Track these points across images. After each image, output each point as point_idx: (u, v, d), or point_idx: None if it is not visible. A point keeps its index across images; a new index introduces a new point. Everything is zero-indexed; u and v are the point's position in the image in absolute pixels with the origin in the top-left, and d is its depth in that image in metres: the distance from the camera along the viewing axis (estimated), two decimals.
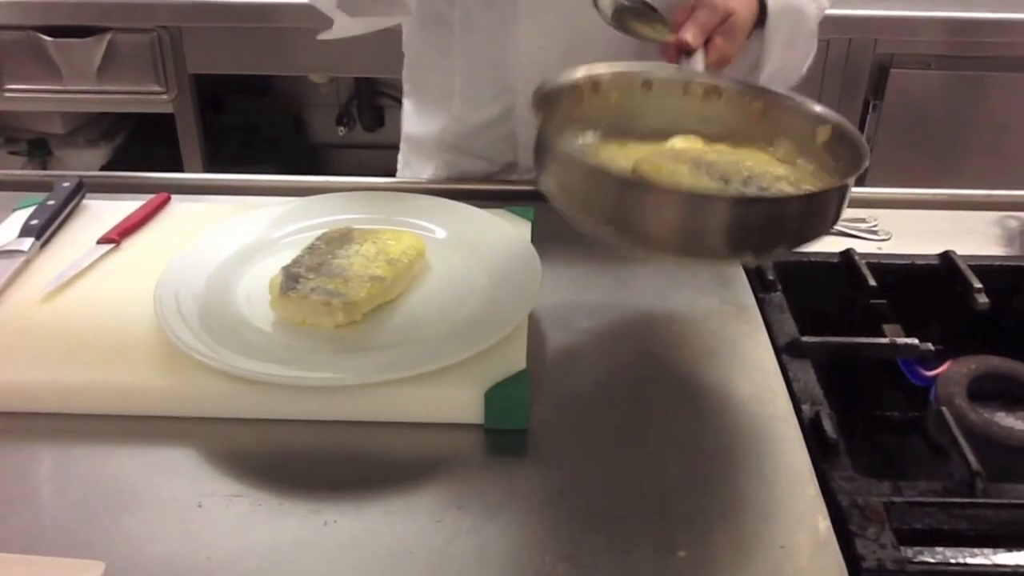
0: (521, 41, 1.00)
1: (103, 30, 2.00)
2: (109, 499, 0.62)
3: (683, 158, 0.73)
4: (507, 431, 0.68)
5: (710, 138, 0.80)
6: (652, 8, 0.87)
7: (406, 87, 1.20)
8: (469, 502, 0.62)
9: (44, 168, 2.31)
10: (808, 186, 0.73)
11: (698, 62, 0.85)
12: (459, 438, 0.68)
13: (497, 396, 0.67)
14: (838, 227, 0.97)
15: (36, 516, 0.61)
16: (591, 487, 0.63)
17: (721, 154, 0.75)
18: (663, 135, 0.79)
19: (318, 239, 0.81)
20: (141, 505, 0.61)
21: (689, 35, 0.85)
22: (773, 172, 0.73)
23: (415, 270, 0.79)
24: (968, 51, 1.96)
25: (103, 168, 2.28)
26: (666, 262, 0.88)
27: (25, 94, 2.08)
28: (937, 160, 2.04)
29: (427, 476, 0.65)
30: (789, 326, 0.81)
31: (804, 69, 1.04)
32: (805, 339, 0.78)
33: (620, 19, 0.87)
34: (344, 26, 0.96)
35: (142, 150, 2.37)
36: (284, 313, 0.74)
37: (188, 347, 0.69)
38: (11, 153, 2.31)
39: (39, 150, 2.32)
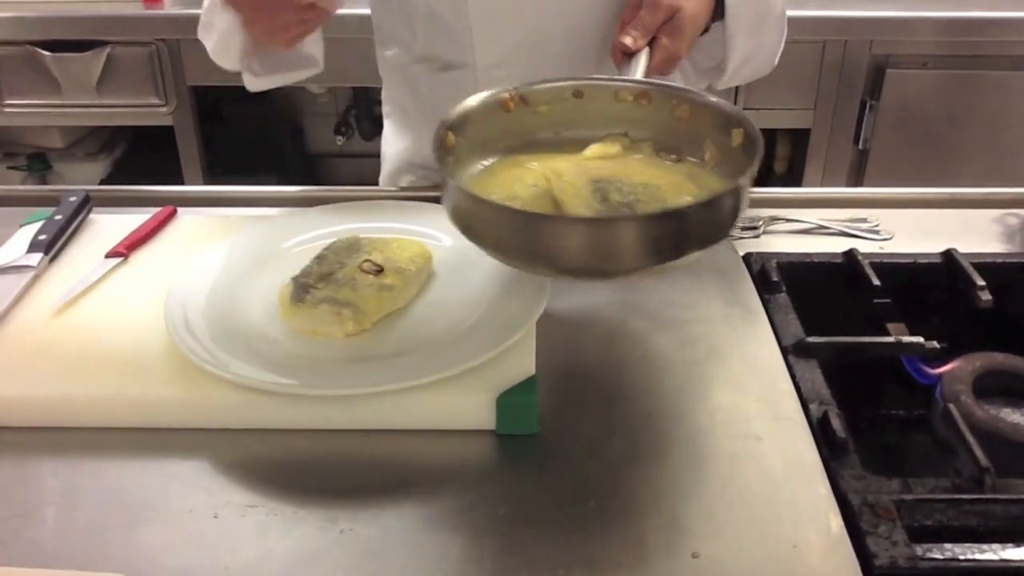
0: (480, 73, 1.01)
1: (102, 44, 2.01)
2: (125, 512, 0.62)
3: (565, 179, 0.74)
4: (518, 436, 0.68)
5: (642, 142, 0.80)
6: None
7: (385, 108, 1.22)
8: (483, 508, 0.63)
9: (44, 182, 2.32)
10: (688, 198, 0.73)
11: (640, 64, 0.85)
12: (470, 444, 0.68)
13: (508, 402, 0.68)
14: (841, 227, 0.98)
15: (54, 530, 0.61)
16: (602, 491, 0.64)
17: (614, 167, 0.77)
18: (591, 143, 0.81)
19: (326, 249, 0.81)
20: (157, 517, 0.62)
21: (628, 38, 0.85)
22: (655, 184, 0.74)
23: (423, 278, 0.80)
24: (964, 50, 1.98)
25: (103, 181, 2.30)
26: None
27: (24, 108, 2.09)
28: (934, 159, 2.05)
29: (440, 483, 0.65)
30: (795, 327, 0.81)
31: (775, 58, 1.03)
32: (811, 339, 0.79)
33: None
34: (254, 83, 1.00)
35: (142, 162, 2.38)
36: (294, 323, 0.74)
37: (200, 359, 0.69)
38: (10, 168, 2.32)
39: (39, 164, 2.33)
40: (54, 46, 2.01)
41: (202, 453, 0.67)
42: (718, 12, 0.93)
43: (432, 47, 1.03)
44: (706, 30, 0.94)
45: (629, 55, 0.86)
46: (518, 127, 0.81)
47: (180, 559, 0.59)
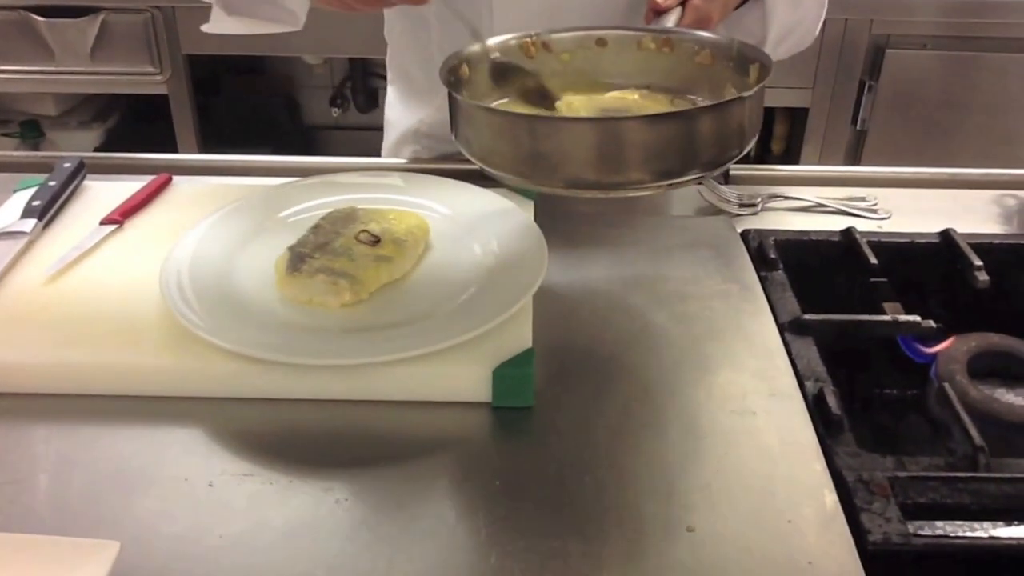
0: (496, 28, 0.98)
1: (96, 10, 1.99)
2: (120, 479, 0.62)
3: (575, 106, 0.77)
4: (513, 409, 0.68)
5: (664, 91, 0.81)
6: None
7: (390, 75, 1.20)
8: (478, 480, 0.63)
9: (36, 149, 2.30)
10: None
11: (670, 22, 0.85)
12: (466, 416, 0.68)
13: (504, 375, 0.67)
14: (839, 206, 0.98)
15: (49, 497, 0.61)
16: (597, 464, 0.64)
17: (627, 103, 0.79)
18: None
19: (323, 219, 0.81)
20: (152, 485, 0.62)
21: None
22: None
23: (420, 250, 0.80)
24: (964, 31, 1.97)
25: (97, 150, 2.28)
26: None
27: (17, 75, 2.07)
28: (932, 141, 2.05)
29: (436, 454, 0.65)
30: (791, 304, 0.81)
31: (816, 30, 1.03)
32: (807, 317, 0.79)
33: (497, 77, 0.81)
34: (221, 22, 0.93)
35: (136, 131, 2.37)
36: (290, 293, 0.74)
37: (196, 327, 0.69)
38: (3, 135, 2.30)
39: (32, 131, 2.31)
40: (48, 12, 1.99)
41: (198, 421, 0.67)
42: None
43: (445, 11, 1.01)
44: (746, 1, 0.94)
45: (660, 13, 0.86)
46: (540, 72, 0.81)
47: (175, 527, 0.59)
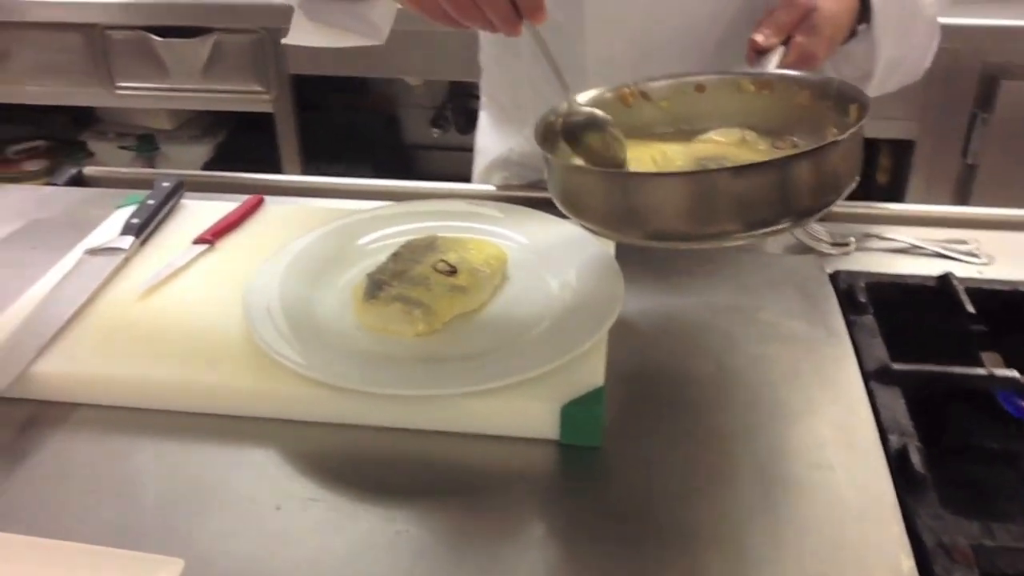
0: (588, 65, 0.98)
1: (209, 31, 2.07)
2: (191, 497, 0.64)
3: (670, 156, 0.76)
4: (580, 447, 0.67)
5: (765, 133, 0.79)
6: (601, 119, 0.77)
7: (483, 100, 1.21)
8: (540, 517, 0.62)
9: (152, 163, 2.41)
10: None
11: (773, 62, 0.83)
12: (532, 452, 0.67)
13: (573, 412, 0.67)
14: (937, 248, 0.94)
15: (121, 509, 0.63)
16: (662, 509, 0.62)
17: (725, 150, 0.77)
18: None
19: (403, 246, 0.82)
20: (222, 504, 0.63)
21: (760, 36, 0.84)
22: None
23: (496, 281, 0.80)
24: None
25: (206, 164, 2.37)
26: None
27: (135, 91, 2.17)
28: None
29: (499, 489, 0.65)
30: (879, 351, 0.78)
31: (927, 61, 1.00)
32: (896, 366, 0.76)
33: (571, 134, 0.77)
34: (302, 31, 0.92)
35: (242, 146, 2.45)
36: (366, 320, 0.75)
37: (273, 351, 0.70)
38: (120, 148, 2.42)
39: (147, 145, 2.42)
40: (164, 31, 2.08)
41: (269, 442, 0.68)
42: (864, 15, 0.90)
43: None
44: (853, 35, 0.92)
45: (761, 53, 0.84)
46: (635, 121, 0.81)
47: (239, 547, 0.60)
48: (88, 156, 2.43)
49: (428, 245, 0.81)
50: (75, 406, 0.72)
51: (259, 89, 2.12)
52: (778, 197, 0.65)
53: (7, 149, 2.44)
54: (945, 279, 0.87)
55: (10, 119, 2.43)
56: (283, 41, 0.95)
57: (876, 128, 1.98)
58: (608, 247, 0.84)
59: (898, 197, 2.05)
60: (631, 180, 0.69)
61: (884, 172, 2.15)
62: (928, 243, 0.95)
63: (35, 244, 0.95)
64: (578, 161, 0.75)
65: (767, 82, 0.82)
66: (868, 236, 0.96)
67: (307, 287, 0.80)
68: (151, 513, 0.63)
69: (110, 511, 0.63)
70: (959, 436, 0.85)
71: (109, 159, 2.40)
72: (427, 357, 0.72)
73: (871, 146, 2.11)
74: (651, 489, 0.64)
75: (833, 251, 0.94)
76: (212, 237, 0.90)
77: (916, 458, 0.65)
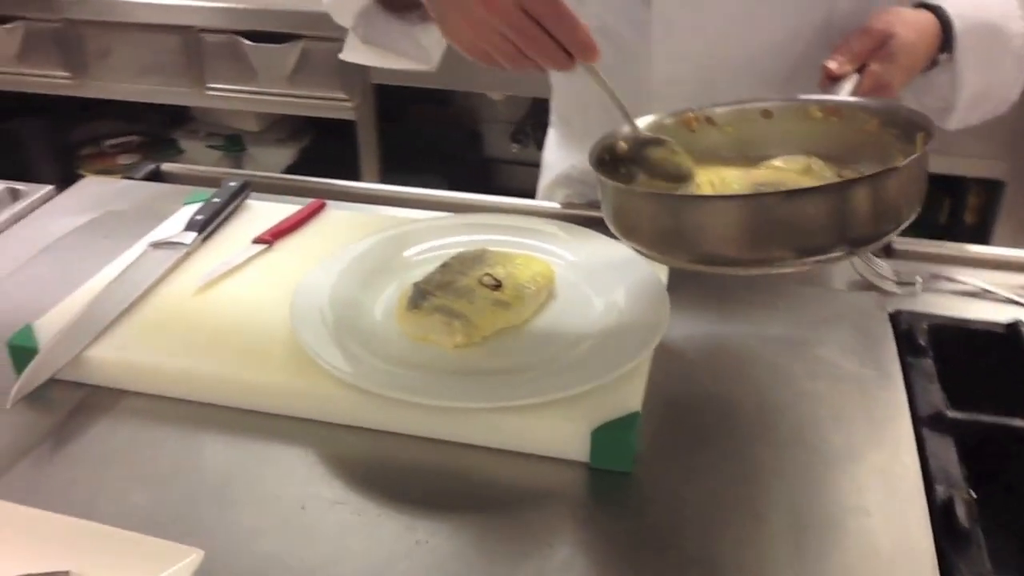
0: (653, 88, 0.97)
1: (298, 38, 2.12)
2: (220, 490, 0.65)
3: (727, 181, 0.74)
4: (610, 471, 0.66)
5: (832, 160, 0.77)
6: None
7: (551, 117, 1.21)
8: (563, 538, 0.61)
9: (239, 163, 2.48)
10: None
11: (846, 89, 0.82)
12: (560, 472, 0.67)
13: (605, 436, 0.66)
14: (1009, 294, 0.90)
15: (153, 497, 0.64)
16: (688, 541, 0.61)
17: (784, 176, 0.75)
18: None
19: (453, 258, 0.82)
20: (249, 500, 0.64)
21: (834, 63, 0.82)
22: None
23: (542, 298, 0.79)
24: None
25: (289, 167, 2.43)
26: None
27: (225, 93, 2.24)
28: None
29: (524, 507, 0.64)
30: (935, 397, 0.75)
31: (1015, 94, 0.96)
32: (951, 414, 0.72)
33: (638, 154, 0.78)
34: (355, 51, 0.94)
35: (325, 152, 2.50)
36: (408, 328, 0.75)
37: (313, 352, 0.71)
38: (209, 147, 2.50)
39: (235, 146, 2.49)
40: (255, 36, 2.14)
41: (299, 443, 0.69)
42: (947, 44, 0.88)
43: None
44: (935, 64, 0.89)
45: (835, 80, 0.83)
46: (699, 145, 0.80)
47: (261, 544, 0.61)
48: (179, 153, 2.52)
49: (477, 258, 0.81)
50: (123, 393, 0.74)
51: (342, 97, 2.17)
52: (831, 224, 0.63)
53: (103, 143, 2.55)
54: (1014, 327, 0.83)
55: (108, 114, 2.54)
56: (339, 56, 0.96)
57: (964, 166, 1.91)
58: (659, 271, 0.83)
59: (984, 238, 1.98)
60: (680, 203, 0.69)
61: (972, 212, 2.08)
62: (1001, 288, 0.91)
63: (107, 234, 0.99)
64: (643, 180, 0.74)
65: (835, 109, 0.80)
66: (937, 277, 0.93)
67: (357, 292, 0.81)
68: (180, 503, 0.64)
69: (141, 497, 0.64)
70: (1016, 486, 0.81)
71: (198, 157, 2.48)
72: (464, 369, 0.72)
73: (960, 184, 2.04)
74: (680, 520, 0.63)
75: (898, 290, 0.91)
76: (271, 238, 0.92)
77: (962, 511, 0.62)
